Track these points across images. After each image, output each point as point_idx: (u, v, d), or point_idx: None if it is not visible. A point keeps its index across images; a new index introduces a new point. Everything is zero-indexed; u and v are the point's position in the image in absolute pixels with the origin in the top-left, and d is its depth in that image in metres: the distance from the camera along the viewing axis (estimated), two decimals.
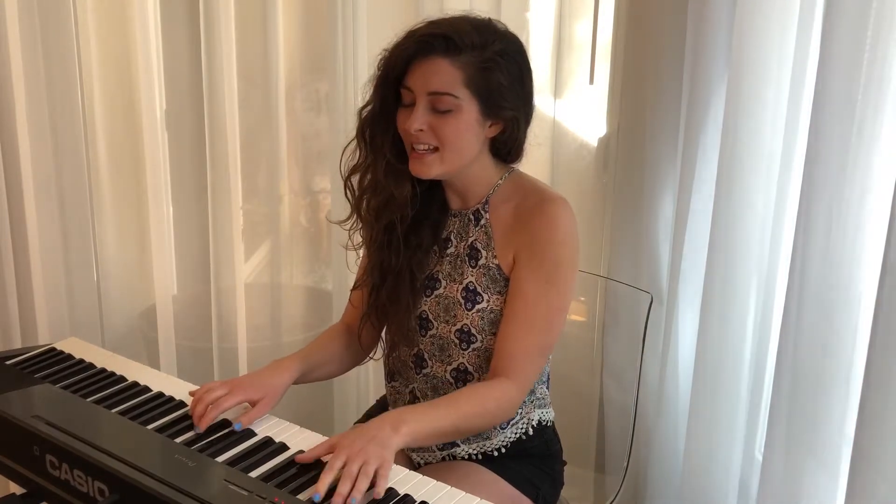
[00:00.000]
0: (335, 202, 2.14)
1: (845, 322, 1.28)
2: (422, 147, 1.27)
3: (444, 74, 1.23)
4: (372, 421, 1.18)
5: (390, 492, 1.07)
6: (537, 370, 1.32)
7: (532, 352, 1.29)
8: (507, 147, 1.34)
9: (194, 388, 1.31)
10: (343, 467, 1.06)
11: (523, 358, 1.29)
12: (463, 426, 1.25)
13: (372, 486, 1.06)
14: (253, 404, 1.26)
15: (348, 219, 1.40)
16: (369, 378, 2.22)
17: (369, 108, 1.32)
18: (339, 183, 1.41)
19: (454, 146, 1.26)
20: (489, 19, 1.28)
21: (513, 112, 1.27)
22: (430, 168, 1.28)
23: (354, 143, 1.36)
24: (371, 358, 1.51)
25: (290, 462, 1.12)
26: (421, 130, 1.25)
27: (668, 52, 1.72)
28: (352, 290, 1.50)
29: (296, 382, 1.35)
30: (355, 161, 1.36)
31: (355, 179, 1.37)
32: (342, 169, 1.38)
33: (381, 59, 1.29)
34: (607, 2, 1.92)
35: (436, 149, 1.27)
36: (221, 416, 1.22)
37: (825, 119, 1.24)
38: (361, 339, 1.45)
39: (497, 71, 1.24)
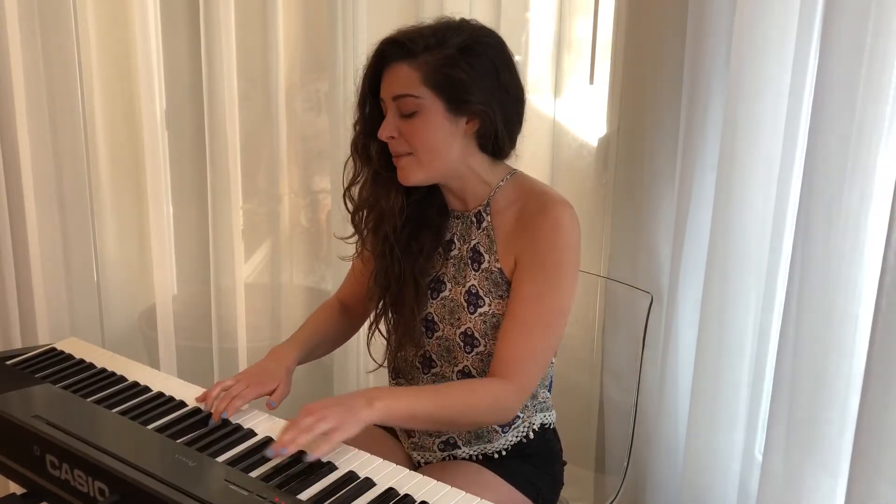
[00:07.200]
0: (335, 205, 2.14)
1: (845, 322, 1.27)
2: (399, 154, 1.29)
3: (402, 77, 1.25)
4: (351, 392, 1.19)
5: (390, 492, 1.07)
6: (538, 373, 1.31)
7: (530, 354, 1.29)
8: (490, 143, 1.34)
9: (195, 388, 1.32)
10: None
11: (522, 360, 1.28)
12: (443, 416, 1.25)
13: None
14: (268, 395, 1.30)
15: (353, 235, 1.43)
16: (370, 378, 2.22)
17: (359, 122, 1.36)
18: (339, 183, 1.43)
19: (426, 147, 1.27)
20: (461, 19, 1.30)
21: (482, 106, 1.27)
22: (410, 174, 1.29)
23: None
24: (372, 356, 1.52)
25: (291, 462, 1.12)
26: (392, 137, 1.28)
27: (668, 52, 1.72)
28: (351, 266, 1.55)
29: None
30: (352, 175, 1.40)
31: (354, 193, 1.40)
32: (343, 183, 1.41)
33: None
34: (607, 1, 1.92)
35: (410, 154, 1.28)
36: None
37: (825, 119, 1.24)
38: (357, 313, 1.52)
39: (456, 66, 1.24)
